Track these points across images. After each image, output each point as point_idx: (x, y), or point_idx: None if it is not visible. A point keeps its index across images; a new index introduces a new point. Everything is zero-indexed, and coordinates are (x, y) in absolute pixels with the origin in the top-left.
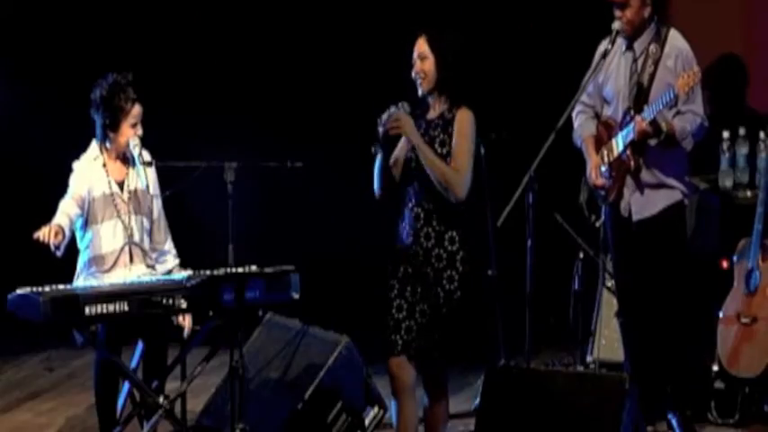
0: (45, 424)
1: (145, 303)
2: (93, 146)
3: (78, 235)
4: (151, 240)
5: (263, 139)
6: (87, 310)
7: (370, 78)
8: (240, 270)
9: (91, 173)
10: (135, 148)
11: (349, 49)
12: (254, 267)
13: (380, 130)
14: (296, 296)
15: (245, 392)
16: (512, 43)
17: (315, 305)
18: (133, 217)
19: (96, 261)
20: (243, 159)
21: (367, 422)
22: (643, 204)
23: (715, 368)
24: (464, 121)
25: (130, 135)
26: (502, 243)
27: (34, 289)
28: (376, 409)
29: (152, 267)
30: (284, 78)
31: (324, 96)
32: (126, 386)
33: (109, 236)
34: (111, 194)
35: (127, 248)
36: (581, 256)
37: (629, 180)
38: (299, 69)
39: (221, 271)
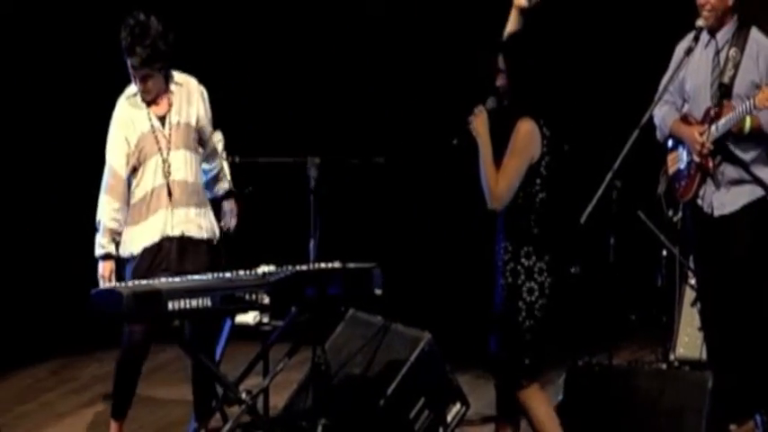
0: (128, 418)
1: (228, 299)
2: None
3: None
4: (204, 171)
5: (346, 134)
6: (170, 305)
7: (458, 74)
8: (323, 266)
9: (130, 112)
10: (219, 144)
11: (439, 43)
12: (336, 263)
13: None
14: (378, 292)
15: (327, 388)
16: (590, 39)
17: (397, 301)
18: (173, 153)
19: (139, 204)
20: (326, 155)
21: (449, 418)
22: (725, 200)
23: None
24: (519, 133)
25: (136, 84)
26: (584, 240)
27: (117, 284)
28: (458, 405)
29: (200, 206)
30: (370, 74)
31: (410, 91)
32: None
33: (150, 174)
34: (153, 130)
35: (165, 187)
36: (664, 253)
37: (708, 178)
38: (386, 65)
39: (304, 267)
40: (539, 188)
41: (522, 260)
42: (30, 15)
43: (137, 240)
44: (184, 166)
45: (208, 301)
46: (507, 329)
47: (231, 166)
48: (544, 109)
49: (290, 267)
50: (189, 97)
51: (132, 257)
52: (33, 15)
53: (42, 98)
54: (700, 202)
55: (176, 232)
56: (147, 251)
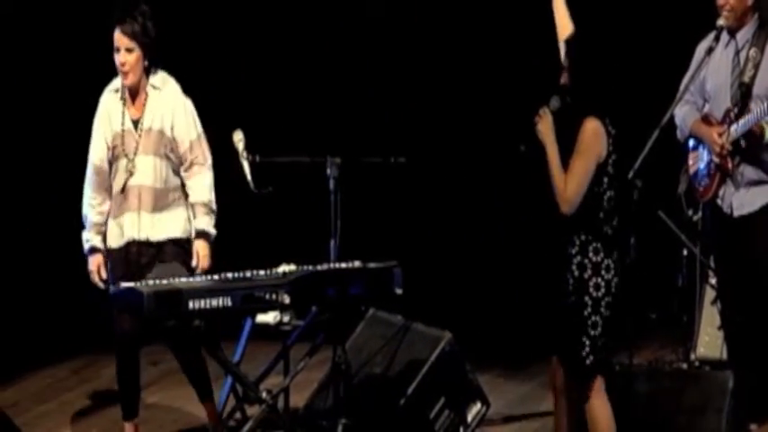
0: (148, 418)
1: (248, 298)
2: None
3: None
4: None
5: (366, 134)
6: (191, 304)
7: (481, 73)
8: (343, 265)
9: (110, 107)
10: (240, 143)
11: (456, 42)
12: (357, 263)
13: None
14: (399, 292)
15: (347, 388)
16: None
17: (418, 301)
18: (142, 157)
19: (115, 198)
20: (346, 154)
21: (470, 418)
22: (744, 201)
23: None
24: (585, 133)
25: (116, 60)
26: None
27: (138, 283)
28: (479, 404)
29: (167, 209)
30: (390, 73)
31: (431, 91)
32: (228, 380)
33: (121, 173)
34: (125, 131)
35: (136, 190)
36: (685, 252)
37: (728, 178)
38: (406, 65)
39: (324, 266)
40: (606, 187)
41: (590, 255)
42: (30, 15)
43: (111, 235)
44: (152, 172)
45: (228, 301)
46: (571, 324)
47: (251, 165)
48: (609, 106)
49: (310, 267)
50: (165, 105)
51: (109, 251)
52: (33, 15)
53: (42, 98)
54: (719, 202)
55: (143, 236)
56: (116, 251)
